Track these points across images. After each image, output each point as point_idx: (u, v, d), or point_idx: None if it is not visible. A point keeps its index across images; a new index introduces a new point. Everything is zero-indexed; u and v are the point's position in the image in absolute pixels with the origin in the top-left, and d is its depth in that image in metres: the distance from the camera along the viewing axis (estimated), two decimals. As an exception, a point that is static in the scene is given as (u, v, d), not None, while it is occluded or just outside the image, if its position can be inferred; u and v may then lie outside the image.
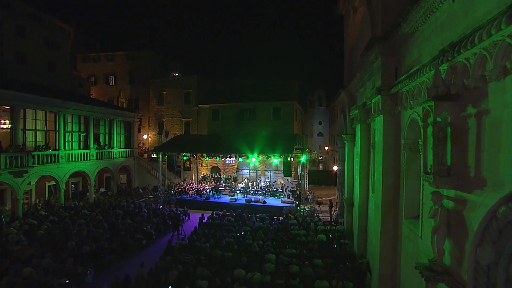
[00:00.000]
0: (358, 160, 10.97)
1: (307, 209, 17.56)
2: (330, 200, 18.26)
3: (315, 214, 16.98)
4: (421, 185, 5.15)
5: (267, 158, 17.43)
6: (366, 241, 10.31)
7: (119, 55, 30.98)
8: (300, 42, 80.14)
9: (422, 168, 4.95)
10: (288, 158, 16.48)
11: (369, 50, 7.43)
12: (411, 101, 5.42)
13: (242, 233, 12.53)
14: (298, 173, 21.49)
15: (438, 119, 3.89)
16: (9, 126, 15.40)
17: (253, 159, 17.67)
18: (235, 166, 25.12)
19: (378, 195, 7.28)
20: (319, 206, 17.87)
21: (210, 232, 12.63)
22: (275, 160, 17.79)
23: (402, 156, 6.48)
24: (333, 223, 15.77)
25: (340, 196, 17.61)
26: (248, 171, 24.92)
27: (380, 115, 7.14)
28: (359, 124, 10.67)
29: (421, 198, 5.16)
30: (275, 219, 14.98)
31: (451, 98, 3.80)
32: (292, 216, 15.03)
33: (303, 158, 17.39)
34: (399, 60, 6.57)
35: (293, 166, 20.94)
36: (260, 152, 16.88)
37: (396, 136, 6.81)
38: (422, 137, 5.01)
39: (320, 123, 46.11)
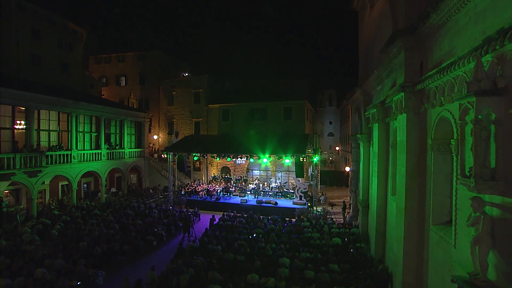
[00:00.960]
0: (375, 161, 10.50)
1: (319, 210, 17.12)
2: (344, 202, 17.76)
3: (328, 216, 16.53)
4: (454, 189, 4.72)
5: (278, 159, 17.09)
6: (384, 245, 9.84)
7: (129, 56, 31.27)
8: (309, 41, 79.30)
9: (457, 170, 4.54)
10: (301, 158, 16.09)
11: (391, 45, 7.00)
12: (441, 98, 4.99)
13: (254, 235, 12.25)
14: (309, 174, 21.05)
15: (480, 116, 3.48)
16: (24, 126, 15.62)
17: (265, 160, 17.36)
18: (245, 167, 24.87)
19: (401, 199, 6.84)
20: (332, 208, 17.38)
21: (221, 234, 12.41)
22: (287, 161, 17.42)
23: (428, 157, 6.04)
24: (346, 226, 15.28)
25: (354, 198, 17.09)
26: (258, 171, 24.62)
27: (403, 114, 6.70)
28: (376, 124, 10.20)
29: (453, 203, 4.73)
30: (287, 221, 14.64)
31: (496, 92, 3.38)
32: (304, 218, 14.64)
33: (315, 159, 16.95)
34: (425, 54, 6.13)
35: (304, 167, 20.51)
36: (272, 153, 16.56)
37: (421, 136, 6.37)
38: (456, 137, 4.60)
39: (330, 123, 45.37)
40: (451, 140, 4.86)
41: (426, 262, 5.92)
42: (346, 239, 12.12)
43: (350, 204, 18.38)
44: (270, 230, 12.82)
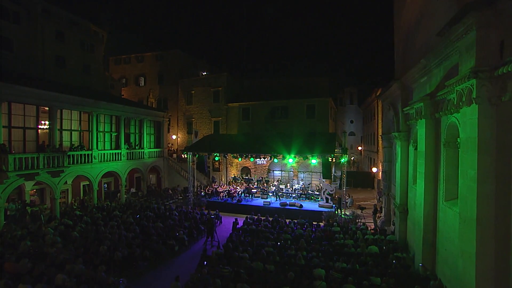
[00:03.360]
0: (421, 161, 9.30)
1: (348, 214, 15.94)
2: (375, 205, 16.47)
3: (357, 221, 15.35)
4: None
5: (304, 159, 16.08)
6: (434, 258, 8.64)
7: (148, 56, 31.34)
8: (329, 38, 77.23)
9: None
10: (329, 159, 15.00)
11: (455, 23, 5.90)
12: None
13: (282, 241, 11.36)
14: (332, 175, 19.87)
15: None
16: (48, 126, 15.65)
17: (290, 160, 16.41)
18: (266, 167, 23.99)
19: (470, 207, 5.72)
20: (362, 212, 16.14)
21: (246, 239, 11.62)
22: (314, 161, 16.37)
23: (513, 157, 4.91)
24: (378, 231, 14.00)
25: (387, 201, 15.81)
26: (279, 172, 23.68)
27: (473, 105, 5.59)
28: (423, 119, 9.00)
29: None
30: (315, 226, 13.65)
31: None
32: (335, 223, 13.57)
33: (343, 159, 15.79)
34: (508, 30, 5.00)
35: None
36: (298, 152, 15.58)
37: (500, 132, 5.25)
38: None
39: (351, 122, 43.60)
40: None
41: (514, 288, 4.80)
42: (384, 248, 10.97)
43: (381, 207, 17.07)
44: (298, 235, 11.89)
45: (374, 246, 10.86)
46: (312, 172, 22.11)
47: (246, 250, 10.11)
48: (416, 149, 10.79)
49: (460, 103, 6.09)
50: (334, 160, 15.22)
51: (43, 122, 15.91)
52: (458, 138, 6.92)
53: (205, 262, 9.33)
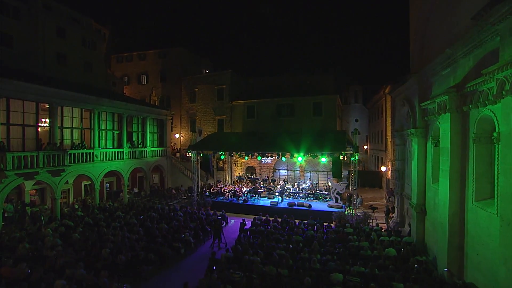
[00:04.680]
0: (445, 158, 8.68)
1: (359, 214, 15.31)
2: (387, 205, 15.84)
3: (369, 221, 14.73)
4: None
5: (313, 157, 15.47)
6: (462, 263, 8.02)
7: (150, 53, 30.83)
8: (332, 36, 76.31)
9: None
10: (341, 157, 14.38)
11: (498, 3, 5.29)
12: None
13: (294, 243, 10.76)
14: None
15: None
16: (48, 124, 15.13)
17: (299, 158, 15.81)
18: (272, 166, 23.39)
19: (516, 208, 5.11)
20: (373, 212, 15.52)
21: (255, 241, 11.04)
22: (323, 160, 15.76)
23: None
24: (392, 232, 13.37)
25: (399, 201, 15.18)
26: (285, 171, 23.06)
27: (520, 94, 4.98)
28: (448, 114, 8.39)
29: None
30: (326, 226, 13.06)
31: None
32: (347, 224, 12.97)
33: (353, 158, 15.16)
34: None
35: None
36: (308, 150, 14.97)
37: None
38: None
39: (356, 120, 42.84)
40: None
41: None
42: (402, 250, 10.35)
43: (393, 208, 16.44)
44: (310, 237, 11.29)
45: (392, 249, 10.25)
46: (319, 171, 21.50)
47: (256, 253, 9.52)
48: (436, 145, 10.19)
49: (504, 92, 5.47)
50: (344, 159, 14.59)
51: (43, 119, 15.40)
52: (494, 133, 6.31)
53: (214, 267, 8.75)
